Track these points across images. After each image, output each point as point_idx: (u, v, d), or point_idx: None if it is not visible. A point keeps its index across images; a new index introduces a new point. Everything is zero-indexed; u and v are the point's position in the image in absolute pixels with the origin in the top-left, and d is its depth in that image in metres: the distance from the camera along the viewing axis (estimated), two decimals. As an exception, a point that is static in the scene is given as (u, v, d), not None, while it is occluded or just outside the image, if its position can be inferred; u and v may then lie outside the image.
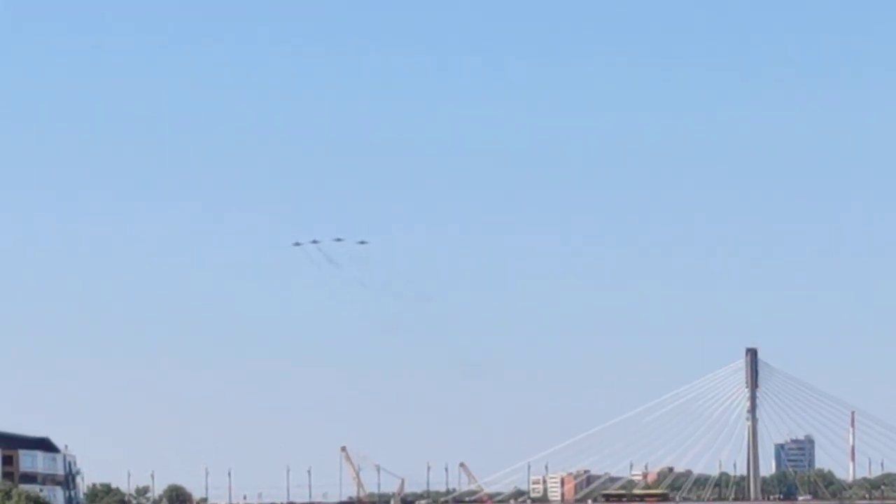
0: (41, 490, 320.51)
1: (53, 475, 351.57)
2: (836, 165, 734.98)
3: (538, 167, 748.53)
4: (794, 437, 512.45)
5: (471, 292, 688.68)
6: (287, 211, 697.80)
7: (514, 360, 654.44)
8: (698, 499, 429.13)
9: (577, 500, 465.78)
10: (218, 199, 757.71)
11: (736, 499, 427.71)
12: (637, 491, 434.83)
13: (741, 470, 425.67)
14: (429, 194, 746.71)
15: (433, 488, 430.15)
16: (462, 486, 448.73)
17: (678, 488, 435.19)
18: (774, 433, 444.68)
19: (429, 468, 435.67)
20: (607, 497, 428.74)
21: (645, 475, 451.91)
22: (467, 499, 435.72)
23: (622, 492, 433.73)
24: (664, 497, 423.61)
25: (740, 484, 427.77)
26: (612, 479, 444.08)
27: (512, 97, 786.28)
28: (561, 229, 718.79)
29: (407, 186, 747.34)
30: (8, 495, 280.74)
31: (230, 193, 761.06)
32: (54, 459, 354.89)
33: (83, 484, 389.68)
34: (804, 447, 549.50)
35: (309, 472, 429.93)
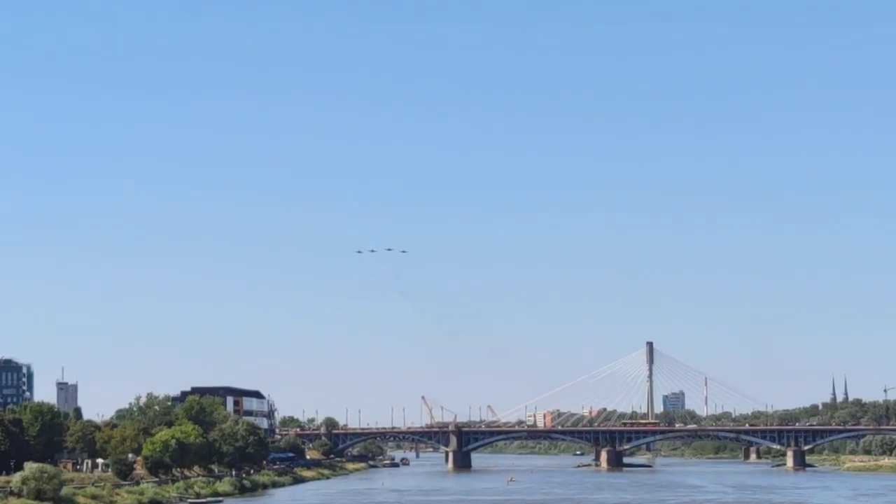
0: (255, 419, 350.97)
1: (262, 411, 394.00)
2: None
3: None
4: (673, 392, 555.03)
5: (490, 296, 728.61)
6: (352, 223, 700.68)
7: (519, 345, 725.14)
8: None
9: (552, 426, 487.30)
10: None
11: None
12: (642, 420, 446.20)
13: (644, 410, 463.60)
14: (459, 212, 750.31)
15: (472, 419, 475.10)
16: (488, 418, 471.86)
17: (609, 419, 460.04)
18: (662, 389, 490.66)
19: (469, 408, 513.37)
20: (623, 423, 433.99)
21: (590, 412, 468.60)
22: (493, 426, 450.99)
23: (632, 421, 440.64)
24: (657, 425, 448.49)
25: (643, 418, 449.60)
26: (572, 415, 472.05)
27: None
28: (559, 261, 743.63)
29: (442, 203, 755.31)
30: (236, 423, 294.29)
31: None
32: (262, 402, 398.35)
33: (277, 416, 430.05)
34: (679, 397, 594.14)
35: (403, 410, 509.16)
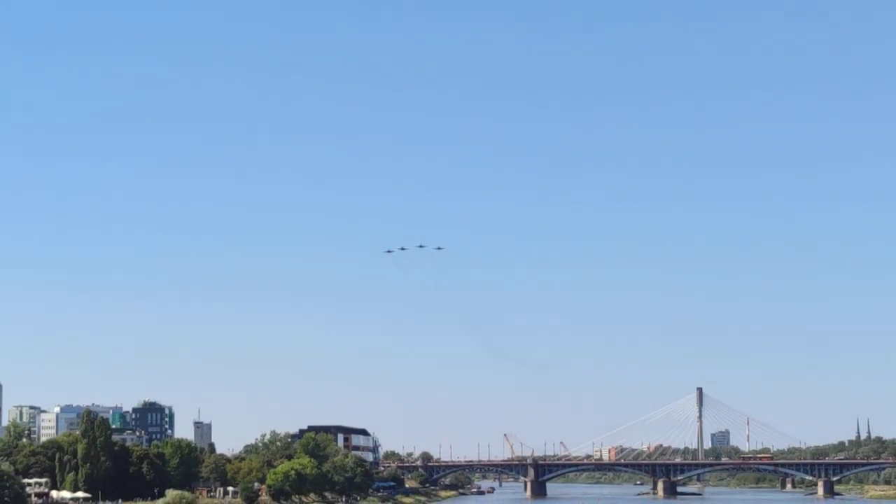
0: (361, 454, 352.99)
1: (367, 447, 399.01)
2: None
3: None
4: (719, 430, 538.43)
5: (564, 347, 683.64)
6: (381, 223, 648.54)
7: (588, 389, 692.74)
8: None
9: (616, 460, 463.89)
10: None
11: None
12: (758, 454, 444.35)
13: (694, 445, 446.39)
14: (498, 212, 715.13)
15: (547, 453, 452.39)
16: (561, 452, 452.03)
17: (665, 453, 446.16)
18: (710, 428, 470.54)
19: (545, 444, 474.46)
20: (742, 457, 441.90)
21: (648, 448, 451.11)
22: (565, 459, 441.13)
23: (751, 453, 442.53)
24: (771, 458, 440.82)
25: (694, 453, 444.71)
26: (633, 450, 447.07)
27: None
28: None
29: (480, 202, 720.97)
30: (346, 456, 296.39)
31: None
32: (368, 439, 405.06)
33: (381, 451, 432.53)
34: (725, 435, 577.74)
35: (488, 445, 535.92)
